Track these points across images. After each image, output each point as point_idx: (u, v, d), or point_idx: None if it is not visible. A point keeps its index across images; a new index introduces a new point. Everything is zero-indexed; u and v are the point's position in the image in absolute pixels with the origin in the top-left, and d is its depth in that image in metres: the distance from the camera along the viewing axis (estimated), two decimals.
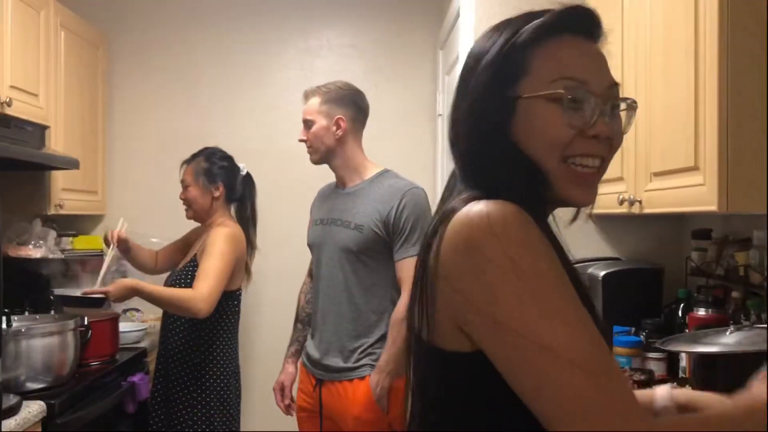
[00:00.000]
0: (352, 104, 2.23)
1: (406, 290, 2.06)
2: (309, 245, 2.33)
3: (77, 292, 2.57)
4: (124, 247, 2.69)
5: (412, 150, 3.35)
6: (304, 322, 2.38)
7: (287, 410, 2.38)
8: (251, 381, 3.12)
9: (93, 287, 2.47)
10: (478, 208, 0.77)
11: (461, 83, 0.89)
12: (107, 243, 2.66)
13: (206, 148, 2.67)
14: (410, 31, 3.43)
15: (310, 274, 2.38)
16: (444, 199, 0.91)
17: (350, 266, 2.15)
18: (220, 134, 3.17)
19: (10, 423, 1.77)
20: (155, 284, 2.41)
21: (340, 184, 2.27)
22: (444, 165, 3.00)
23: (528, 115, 0.83)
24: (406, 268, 2.04)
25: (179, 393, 2.48)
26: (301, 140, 2.24)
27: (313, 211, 2.38)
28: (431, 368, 0.85)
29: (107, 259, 2.59)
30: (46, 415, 1.98)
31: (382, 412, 2.10)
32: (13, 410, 1.84)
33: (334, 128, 2.19)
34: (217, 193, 2.58)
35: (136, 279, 2.43)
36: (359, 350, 2.14)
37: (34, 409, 1.92)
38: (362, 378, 2.12)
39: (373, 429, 2.09)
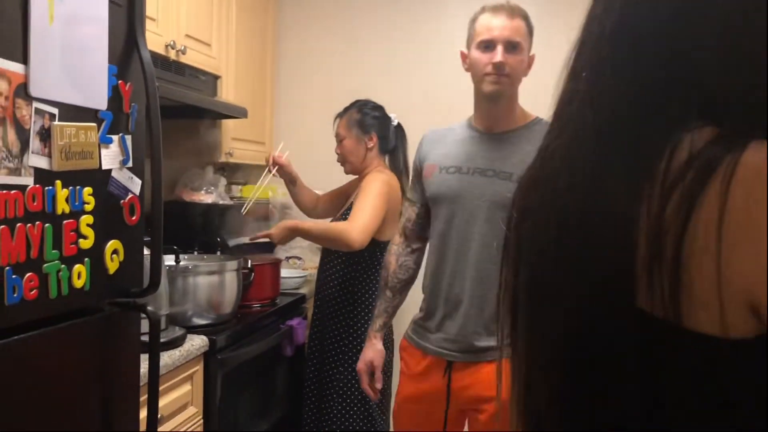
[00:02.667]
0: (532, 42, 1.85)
1: None
2: (433, 197, 1.87)
3: (245, 239, 2.71)
4: (288, 177, 2.78)
5: None
6: (395, 290, 2.01)
7: (376, 395, 2.05)
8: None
9: (256, 232, 2.61)
10: None
11: None
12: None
13: (358, 101, 2.70)
14: None
15: (405, 233, 1.99)
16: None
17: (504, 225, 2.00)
18: (380, 88, 3.15)
19: (174, 353, 1.86)
20: None
21: (486, 126, 1.83)
22: None
23: None
24: None
25: (332, 340, 2.54)
26: (497, 63, 1.72)
27: (428, 155, 1.91)
28: (671, 356, 0.62)
29: (260, 182, 2.70)
30: (208, 349, 2.07)
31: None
32: (178, 342, 1.93)
33: (527, 65, 1.81)
34: (370, 144, 2.59)
35: (294, 219, 2.52)
36: None
37: (197, 342, 2.01)
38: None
39: None
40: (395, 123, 2.67)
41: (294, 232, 2.48)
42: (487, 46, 1.73)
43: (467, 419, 1.91)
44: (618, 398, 0.64)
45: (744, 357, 0.59)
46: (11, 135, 1.06)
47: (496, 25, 1.73)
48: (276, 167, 2.77)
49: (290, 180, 2.85)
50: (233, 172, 3.32)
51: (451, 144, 1.88)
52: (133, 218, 1.38)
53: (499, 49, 1.72)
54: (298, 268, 3.24)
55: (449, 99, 3.00)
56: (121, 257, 1.34)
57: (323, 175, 3.26)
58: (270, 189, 3.26)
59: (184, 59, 2.48)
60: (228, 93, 2.90)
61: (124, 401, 1.40)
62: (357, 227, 2.34)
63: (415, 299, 2.00)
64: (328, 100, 3.43)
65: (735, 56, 0.63)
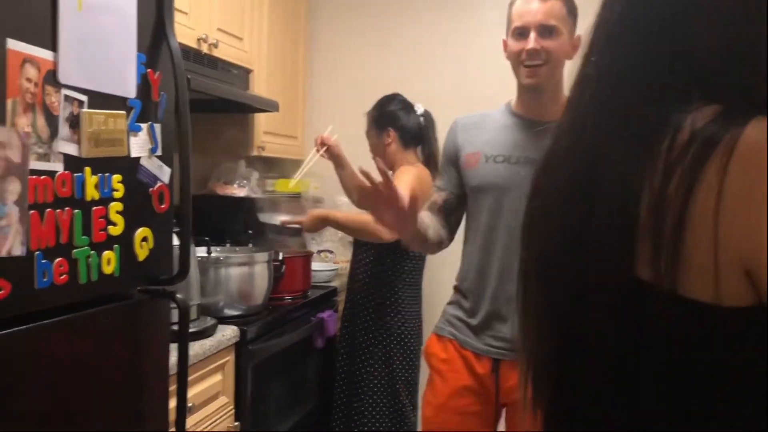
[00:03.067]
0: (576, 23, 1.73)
1: None
2: (479, 187, 1.73)
3: (277, 220, 2.75)
4: (335, 159, 2.79)
5: None
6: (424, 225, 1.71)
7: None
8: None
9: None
10: None
11: None
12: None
13: (383, 97, 2.70)
14: None
15: (431, 211, 1.80)
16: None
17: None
18: (413, 79, 3.15)
19: (205, 343, 1.87)
20: None
21: (531, 114, 1.71)
22: None
23: None
24: None
25: (362, 332, 2.55)
26: (530, 50, 1.63)
27: (466, 142, 1.78)
28: (667, 324, 0.64)
29: (307, 160, 2.72)
30: (239, 340, 2.08)
31: None
32: (209, 331, 1.94)
33: (571, 48, 1.68)
34: (388, 140, 2.59)
35: (326, 209, 2.52)
36: None
37: (228, 333, 2.02)
38: None
39: None
40: (420, 111, 2.64)
41: (325, 222, 2.49)
42: (521, 33, 1.66)
43: (506, 417, 1.79)
44: (616, 366, 0.68)
45: (737, 326, 0.62)
46: (41, 121, 1.07)
47: (528, 10, 1.65)
48: (324, 148, 2.76)
49: (338, 163, 2.83)
50: (265, 166, 3.34)
51: (493, 131, 1.76)
52: (162, 206, 1.39)
53: (532, 35, 1.64)
54: (330, 261, 3.24)
55: (482, 90, 2.97)
56: (151, 245, 1.35)
57: (356, 167, 3.27)
58: (302, 183, 3.28)
59: (216, 53, 2.50)
60: (260, 87, 2.92)
61: (154, 389, 1.41)
62: None
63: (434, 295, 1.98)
64: (360, 93, 3.42)
65: (736, 37, 0.66)
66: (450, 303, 1.86)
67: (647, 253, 0.64)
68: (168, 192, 1.40)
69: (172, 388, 1.49)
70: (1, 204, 0.99)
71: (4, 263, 1.01)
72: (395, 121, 2.61)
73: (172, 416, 1.48)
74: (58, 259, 1.11)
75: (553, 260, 0.75)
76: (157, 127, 1.36)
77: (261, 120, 2.98)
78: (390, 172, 2.66)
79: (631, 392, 0.67)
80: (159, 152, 1.37)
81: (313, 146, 3.47)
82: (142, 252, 1.32)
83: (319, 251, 3.23)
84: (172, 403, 1.48)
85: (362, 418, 2.56)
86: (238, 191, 3.01)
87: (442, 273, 3.23)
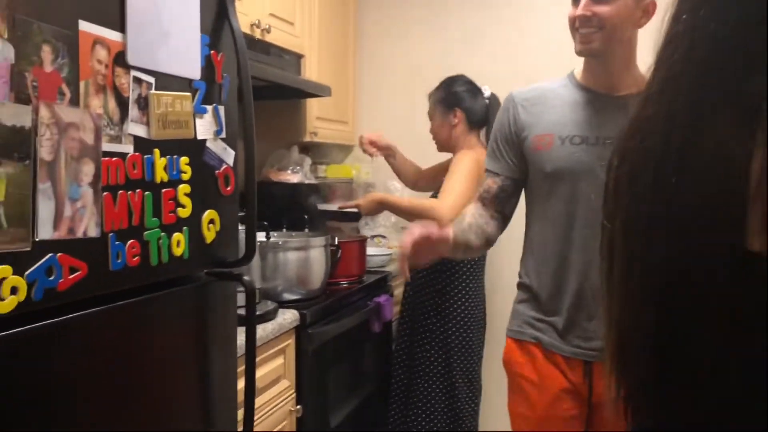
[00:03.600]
0: None
1: None
2: (555, 172, 1.58)
3: (334, 206, 2.76)
4: (387, 151, 2.81)
5: None
6: (465, 231, 1.68)
7: None
8: (496, 318, 3.05)
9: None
10: None
11: None
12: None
13: (448, 77, 2.66)
14: None
15: (482, 202, 1.71)
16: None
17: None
18: (465, 61, 3.10)
19: (267, 327, 1.88)
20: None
21: (604, 87, 1.57)
22: None
23: None
24: None
25: (422, 318, 2.54)
26: (579, 16, 1.53)
27: (531, 122, 1.62)
28: None
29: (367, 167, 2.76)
30: (299, 323, 2.08)
31: None
32: (270, 315, 1.95)
33: (639, 13, 1.52)
34: (455, 121, 2.55)
35: (383, 193, 2.51)
36: None
37: (288, 316, 2.02)
38: None
39: None
40: (488, 94, 2.60)
41: (382, 205, 2.48)
42: None
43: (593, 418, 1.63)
44: (726, 346, 0.62)
45: None
46: (112, 103, 1.07)
47: None
48: (374, 149, 2.74)
49: (389, 153, 2.82)
50: (317, 153, 3.34)
51: (562, 108, 1.60)
52: (228, 189, 1.39)
53: (583, 1, 1.52)
54: (383, 246, 3.23)
55: (539, 70, 2.90)
56: (217, 227, 1.35)
57: (407, 152, 3.24)
58: (354, 168, 3.26)
59: (268, 38, 2.50)
60: (311, 72, 2.91)
61: (222, 371, 1.41)
62: (446, 204, 2.31)
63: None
64: (411, 76, 3.40)
65: None
66: (521, 302, 1.69)
67: (759, 222, 0.59)
68: (233, 174, 1.40)
69: (239, 369, 1.50)
70: (76, 185, 1.00)
71: (81, 244, 1.01)
72: (462, 102, 2.57)
73: (239, 397, 1.49)
74: (130, 241, 1.12)
75: (645, 231, 0.70)
76: (221, 109, 1.36)
77: (313, 106, 2.98)
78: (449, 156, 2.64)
79: (744, 372, 0.62)
80: (223, 135, 1.37)
81: (364, 130, 3.48)
82: (209, 234, 1.32)
83: (372, 236, 3.22)
84: (240, 384, 1.48)
85: (418, 403, 2.56)
86: (291, 177, 3.01)
87: (502, 260, 3.19)
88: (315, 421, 2.18)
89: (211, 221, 1.33)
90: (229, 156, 1.39)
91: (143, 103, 1.14)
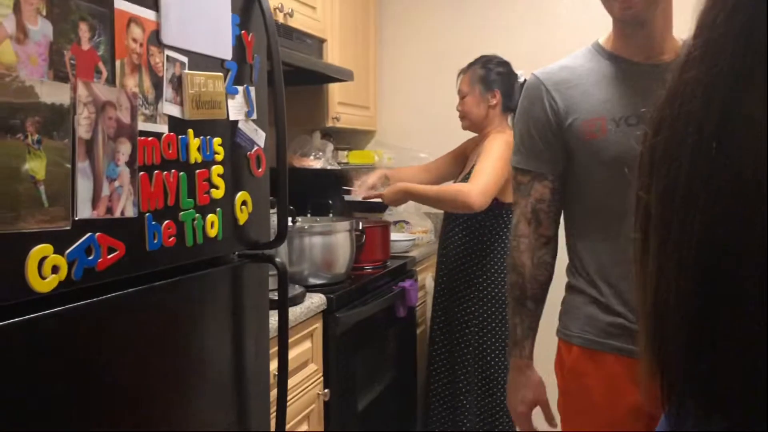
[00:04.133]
0: None
1: None
2: (614, 159, 1.35)
3: (358, 197, 2.72)
4: (379, 182, 2.67)
5: None
6: (537, 298, 1.50)
7: None
8: None
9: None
10: None
11: None
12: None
13: (483, 56, 2.62)
14: None
15: (537, 218, 1.48)
16: None
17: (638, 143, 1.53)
18: (487, 44, 3.05)
19: (295, 310, 1.88)
20: None
21: (643, 56, 1.38)
22: None
23: None
24: None
25: (457, 300, 2.53)
26: None
27: (573, 105, 1.41)
28: None
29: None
30: (326, 307, 2.08)
31: None
32: (298, 299, 1.94)
33: None
34: (493, 101, 2.51)
35: (406, 182, 2.49)
36: None
37: (315, 300, 2.02)
38: None
39: None
40: (522, 80, 2.57)
41: (407, 195, 2.44)
42: None
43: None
44: (754, 317, 0.57)
45: None
46: (147, 82, 1.07)
47: None
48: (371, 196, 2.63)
49: (383, 183, 2.69)
50: (339, 139, 3.33)
51: (602, 86, 1.41)
52: (259, 170, 1.38)
53: None
54: (407, 231, 3.22)
55: (563, 50, 2.86)
56: (250, 209, 1.34)
57: (429, 138, 3.24)
58: (376, 153, 3.25)
59: (291, 22, 2.48)
60: (333, 57, 2.89)
61: (255, 352, 1.41)
62: (478, 188, 2.28)
63: None
64: (432, 61, 3.37)
65: None
66: (585, 303, 1.44)
67: None
68: (264, 156, 1.39)
69: (272, 350, 1.50)
70: (114, 164, 0.99)
71: (119, 224, 1.01)
72: (503, 83, 2.53)
73: (271, 379, 1.49)
74: (166, 222, 1.11)
75: (684, 200, 0.65)
76: (252, 90, 1.35)
77: (334, 91, 2.96)
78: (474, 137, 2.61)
79: None
80: (254, 116, 1.36)
81: (386, 115, 3.46)
82: (242, 216, 1.32)
83: (395, 222, 3.21)
84: (272, 365, 1.48)
85: (459, 395, 2.55)
86: (314, 163, 3.01)
87: None
88: (342, 405, 2.18)
89: (244, 203, 1.32)
90: (260, 137, 1.38)
91: (177, 83, 1.14)
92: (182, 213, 1.15)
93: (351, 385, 2.26)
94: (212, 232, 1.23)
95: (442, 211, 2.81)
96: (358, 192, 2.66)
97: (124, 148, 1.01)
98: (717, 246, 0.62)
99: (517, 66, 2.68)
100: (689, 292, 0.65)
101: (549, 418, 1.53)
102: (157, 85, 1.09)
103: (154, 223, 1.09)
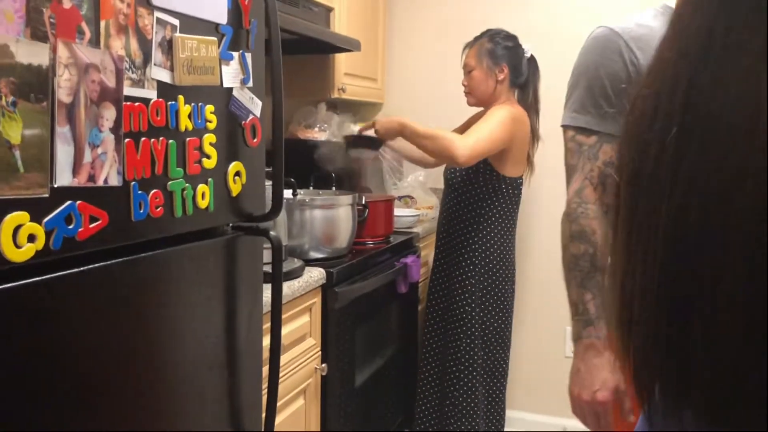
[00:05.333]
0: None
1: None
2: None
3: (354, 130, 2.68)
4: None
5: None
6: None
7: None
8: (525, 278, 3.00)
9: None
10: None
11: None
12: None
13: (489, 30, 2.55)
14: None
15: (603, 184, 1.34)
16: None
17: None
18: (498, 18, 2.97)
19: (294, 284, 1.84)
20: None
21: None
22: None
23: None
24: None
25: (454, 271, 2.50)
26: None
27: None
28: None
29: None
30: (326, 281, 2.04)
31: None
32: (297, 273, 1.91)
33: None
34: (501, 76, 2.45)
35: (402, 118, 2.41)
36: None
37: (315, 274, 1.99)
38: None
39: None
40: (528, 55, 2.51)
41: (400, 127, 2.36)
42: None
43: None
44: (724, 308, 0.52)
45: None
46: (134, 45, 1.02)
47: None
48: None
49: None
50: (345, 111, 3.27)
51: None
52: (255, 140, 1.33)
53: None
54: (411, 207, 3.17)
55: (574, 25, 2.80)
56: (244, 180, 1.30)
57: (437, 112, 3.18)
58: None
59: None
60: (340, 26, 2.82)
61: (248, 326, 1.38)
62: (467, 143, 2.24)
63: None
64: (441, 32, 3.29)
65: None
66: None
67: None
68: (260, 126, 1.34)
69: (265, 326, 1.46)
70: (97, 130, 0.95)
71: (101, 192, 0.97)
72: (511, 58, 2.47)
73: (265, 354, 1.46)
74: (153, 191, 1.07)
75: (650, 182, 0.59)
76: (248, 56, 1.30)
77: (341, 61, 2.90)
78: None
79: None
80: (250, 83, 1.31)
81: (394, 87, 3.39)
82: (235, 187, 1.28)
83: (400, 197, 3.16)
84: (266, 341, 1.45)
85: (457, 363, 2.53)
86: (319, 135, 2.96)
87: (539, 212, 3.12)
88: (340, 380, 2.16)
89: (237, 173, 1.28)
90: (255, 106, 1.33)
91: (167, 47, 1.09)
92: (171, 182, 1.11)
93: (349, 360, 2.23)
94: (203, 203, 1.19)
95: None
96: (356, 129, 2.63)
97: (109, 113, 0.97)
98: (681, 237, 0.56)
99: (526, 39, 2.61)
100: (654, 282, 0.58)
101: (627, 411, 1.31)
102: (146, 48, 1.04)
103: (140, 192, 1.05)
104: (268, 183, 1.39)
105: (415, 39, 3.39)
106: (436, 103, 3.27)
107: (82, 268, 0.95)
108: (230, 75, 1.24)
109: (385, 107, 3.43)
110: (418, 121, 3.23)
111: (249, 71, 1.30)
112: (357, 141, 2.59)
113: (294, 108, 3.01)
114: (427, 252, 3.00)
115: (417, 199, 3.21)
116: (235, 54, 1.26)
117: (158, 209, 1.08)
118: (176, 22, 1.10)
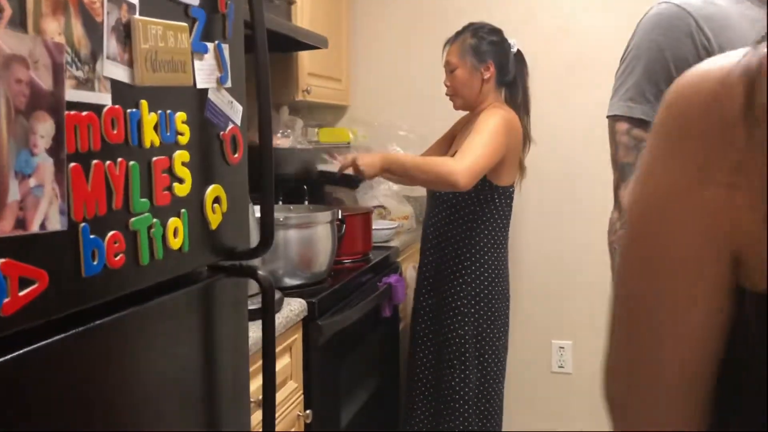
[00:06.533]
0: None
1: None
2: None
3: (333, 168, 2.40)
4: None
5: None
6: None
7: None
8: (518, 286, 2.77)
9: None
10: None
11: None
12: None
13: (471, 24, 2.31)
14: None
15: None
16: None
17: None
18: (471, 12, 2.73)
19: None
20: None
21: None
22: None
23: None
24: None
25: (444, 284, 2.26)
26: None
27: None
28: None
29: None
30: (307, 314, 1.76)
31: None
32: (276, 307, 1.61)
33: None
34: (487, 74, 2.21)
35: (385, 153, 2.17)
36: None
37: (295, 306, 1.70)
38: None
39: None
40: (515, 50, 2.27)
41: (384, 161, 2.10)
42: None
43: None
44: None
45: None
46: (78, 30, 0.72)
47: None
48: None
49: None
50: (307, 114, 2.98)
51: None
52: (236, 156, 1.05)
53: None
54: (386, 218, 2.91)
55: (557, 18, 2.60)
56: (224, 208, 1.01)
57: (407, 114, 2.94)
58: (351, 131, 2.92)
59: None
60: (303, 21, 2.54)
61: (232, 383, 1.09)
62: (464, 165, 1.97)
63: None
64: (410, 28, 3.04)
65: None
66: None
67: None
68: (241, 137, 1.06)
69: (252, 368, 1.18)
70: (27, 153, 0.65)
71: (37, 243, 0.67)
72: (496, 54, 2.22)
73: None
74: (111, 233, 0.77)
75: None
76: (225, 48, 1.01)
77: (304, 60, 2.61)
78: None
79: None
80: (228, 83, 1.02)
81: (359, 88, 3.13)
82: (214, 218, 0.99)
83: (374, 207, 2.89)
84: (253, 386, 1.17)
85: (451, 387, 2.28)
86: (282, 142, 2.66)
87: (531, 217, 2.89)
88: (325, 425, 1.88)
89: (216, 200, 0.99)
90: (235, 112, 1.05)
91: (123, 34, 0.79)
92: (134, 219, 0.81)
93: (334, 400, 1.96)
94: (176, 243, 0.89)
95: (423, 195, 2.52)
96: (335, 164, 2.35)
97: (44, 128, 0.67)
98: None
99: (511, 35, 2.39)
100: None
101: None
102: (95, 34, 0.75)
103: (92, 236, 0.75)
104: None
105: (381, 34, 3.12)
106: (406, 103, 3.02)
107: (12, 355, 0.65)
108: (205, 72, 0.95)
109: (351, 110, 3.16)
110: (388, 123, 2.99)
111: (227, 67, 1.01)
112: (335, 179, 2.34)
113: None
114: (405, 266, 2.74)
115: (390, 210, 2.95)
116: (210, 45, 0.97)
117: (118, 257, 0.79)
118: (135, 0, 0.81)
